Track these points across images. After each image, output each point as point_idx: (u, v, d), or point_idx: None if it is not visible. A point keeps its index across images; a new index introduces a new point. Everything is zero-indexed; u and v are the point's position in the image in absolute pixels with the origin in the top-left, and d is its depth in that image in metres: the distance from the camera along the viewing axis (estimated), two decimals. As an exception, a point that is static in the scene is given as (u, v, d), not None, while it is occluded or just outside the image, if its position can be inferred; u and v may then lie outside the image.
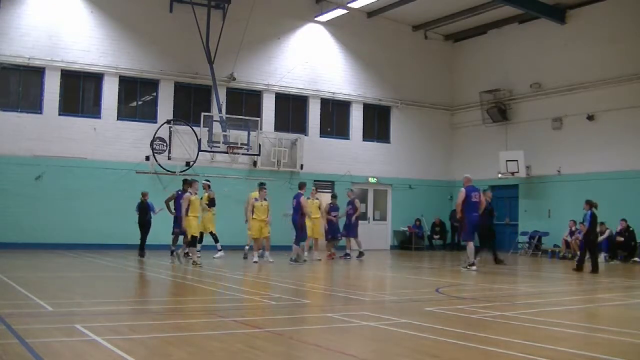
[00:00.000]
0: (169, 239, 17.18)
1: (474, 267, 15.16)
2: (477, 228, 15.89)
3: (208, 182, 18.17)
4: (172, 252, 16.67)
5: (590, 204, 15.71)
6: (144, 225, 17.70)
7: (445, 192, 27.30)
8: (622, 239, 20.34)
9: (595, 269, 15.36)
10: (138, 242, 17.67)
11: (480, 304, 9.32)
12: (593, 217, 15.62)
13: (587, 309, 9.36)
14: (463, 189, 15.71)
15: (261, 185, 16.72)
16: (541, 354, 5.72)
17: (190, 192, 15.53)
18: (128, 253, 18.36)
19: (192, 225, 15.44)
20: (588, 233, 15.73)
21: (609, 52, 22.35)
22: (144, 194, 17.84)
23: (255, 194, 16.59)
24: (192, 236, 15.41)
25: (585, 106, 22.83)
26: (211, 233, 17.55)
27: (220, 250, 17.51)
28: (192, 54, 22.59)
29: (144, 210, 17.64)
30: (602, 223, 20.50)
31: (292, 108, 25.21)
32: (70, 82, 21.42)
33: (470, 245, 15.49)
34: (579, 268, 15.56)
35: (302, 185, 17.20)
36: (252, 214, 16.33)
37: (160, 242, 18.36)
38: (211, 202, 17.51)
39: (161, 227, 18.04)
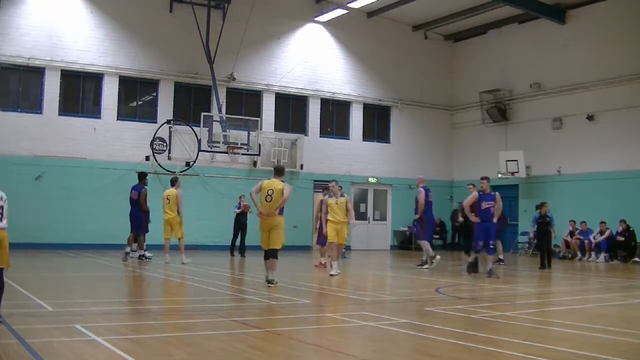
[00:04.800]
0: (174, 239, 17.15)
1: (426, 265, 15.78)
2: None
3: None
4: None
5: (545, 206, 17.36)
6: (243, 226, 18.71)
7: (445, 192, 27.26)
8: (622, 239, 20.36)
9: (549, 265, 16.78)
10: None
11: (480, 304, 9.32)
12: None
13: (587, 309, 9.35)
14: (422, 189, 15.63)
15: (334, 181, 14.22)
16: (541, 354, 5.72)
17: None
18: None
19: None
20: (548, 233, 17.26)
21: (609, 52, 22.35)
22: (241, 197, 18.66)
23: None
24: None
25: (585, 106, 22.84)
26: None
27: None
28: (192, 54, 22.58)
29: (244, 214, 18.62)
30: (602, 223, 20.65)
31: (292, 108, 25.20)
32: (70, 82, 21.42)
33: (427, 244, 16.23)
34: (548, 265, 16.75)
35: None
36: (327, 215, 13.90)
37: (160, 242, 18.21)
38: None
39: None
